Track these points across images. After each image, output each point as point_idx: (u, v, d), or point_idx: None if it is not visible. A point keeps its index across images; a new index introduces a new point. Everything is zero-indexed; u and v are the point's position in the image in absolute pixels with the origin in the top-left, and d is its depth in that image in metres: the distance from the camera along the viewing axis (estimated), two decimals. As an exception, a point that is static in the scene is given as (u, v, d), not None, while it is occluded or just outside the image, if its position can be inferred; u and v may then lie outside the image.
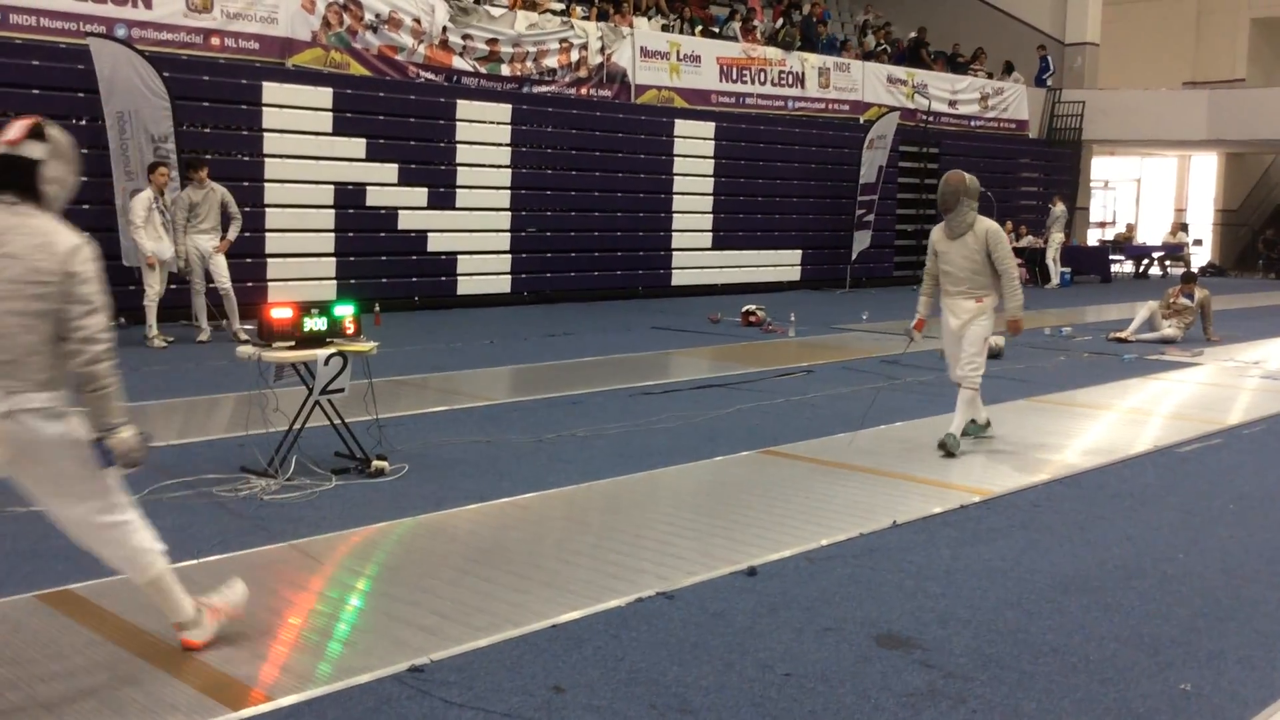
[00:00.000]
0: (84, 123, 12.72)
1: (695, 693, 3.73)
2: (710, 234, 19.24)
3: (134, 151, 12.49)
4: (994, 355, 11.93)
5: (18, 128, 3.58)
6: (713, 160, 19.10)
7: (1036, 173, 26.34)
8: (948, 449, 7.27)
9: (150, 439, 3.81)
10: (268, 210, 14.21)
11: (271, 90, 14.21)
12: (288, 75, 14.46)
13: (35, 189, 3.57)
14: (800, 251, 20.62)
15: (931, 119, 22.96)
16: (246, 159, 14.07)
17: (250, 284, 13.38)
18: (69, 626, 4.18)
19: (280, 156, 14.34)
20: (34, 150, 3.56)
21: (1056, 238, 23.49)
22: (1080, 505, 6.27)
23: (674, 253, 18.77)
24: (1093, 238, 29.29)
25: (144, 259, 11.48)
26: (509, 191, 16.56)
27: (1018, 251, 23.82)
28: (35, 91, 12.52)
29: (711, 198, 19.19)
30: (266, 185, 14.22)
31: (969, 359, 7.41)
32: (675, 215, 18.70)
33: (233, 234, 11.97)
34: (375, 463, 6.50)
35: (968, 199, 7.17)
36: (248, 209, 12.68)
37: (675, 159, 18.61)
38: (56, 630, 4.14)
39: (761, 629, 4.31)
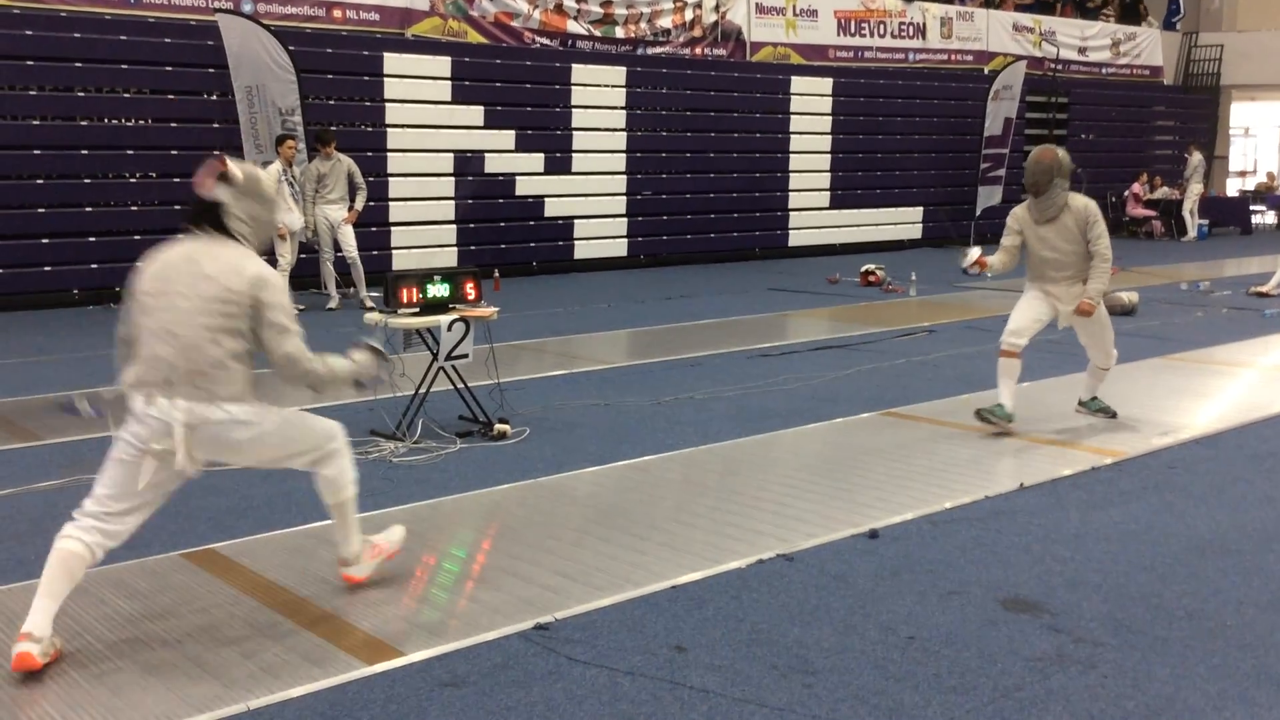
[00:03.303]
0: (214, 97, 13.16)
1: (817, 654, 3.73)
2: (828, 193, 18.97)
3: (262, 125, 12.87)
4: (1127, 312, 11.56)
5: (205, 175, 3.96)
6: (830, 117, 18.80)
7: (1172, 121, 25.29)
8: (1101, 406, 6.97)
9: (383, 354, 4.42)
10: (390, 180, 14.50)
11: (392, 61, 14.46)
12: (407, 45, 14.69)
13: (223, 226, 3.95)
14: (921, 209, 20.19)
15: (1060, 67, 22.18)
16: (369, 130, 14.37)
17: (376, 252, 13.70)
18: (211, 583, 4.37)
19: (401, 126, 14.61)
20: (219, 194, 3.94)
21: (1194, 189, 22.54)
22: (1218, 466, 6.05)
23: (791, 213, 18.57)
24: (1232, 188, 28.04)
25: (275, 230, 11.82)
26: (624, 155, 16.58)
27: (1152, 204, 23.02)
28: (168, 69, 12.97)
29: (829, 156, 18.91)
30: (389, 155, 14.51)
31: (1109, 348, 6.82)
32: (792, 175, 18.48)
33: (359, 204, 12.26)
34: (498, 426, 6.62)
35: (1061, 178, 6.50)
36: (372, 179, 12.96)
37: (792, 117, 18.37)
38: (200, 587, 4.34)
39: (883, 592, 4.27)
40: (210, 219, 3.95)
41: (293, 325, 3.97)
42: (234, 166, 3.96)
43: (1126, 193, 23.10)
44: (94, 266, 12.65)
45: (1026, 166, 6.65)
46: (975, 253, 6.84)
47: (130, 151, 12.88)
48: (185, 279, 3.85)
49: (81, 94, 12.59)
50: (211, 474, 5.85)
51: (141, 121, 12.98)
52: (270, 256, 12.18)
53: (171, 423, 3.76)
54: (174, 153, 13.06)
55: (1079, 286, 6.61)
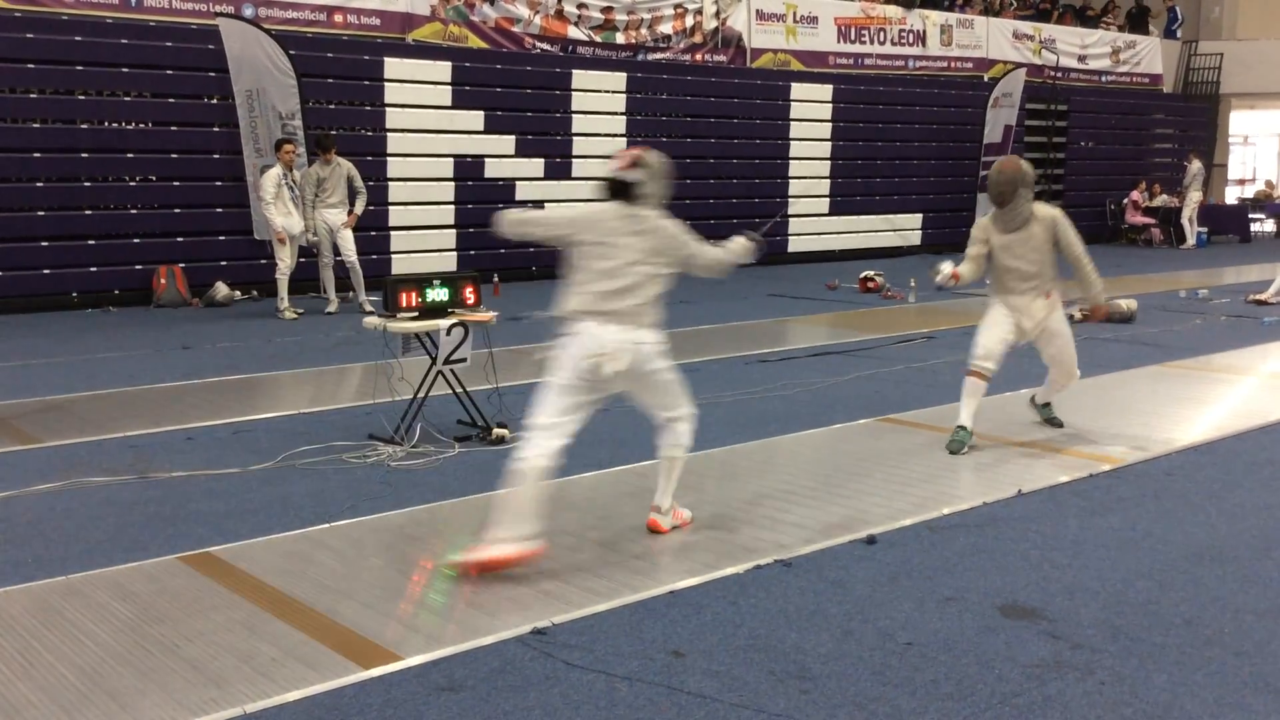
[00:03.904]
0: (214, 101, 13.17)
1: (814, 660, 3.73)
2: (828, 199, 18.99)
3: (262, 129, 12.88)
4: (1126, 319, 11.57)
5: (625, 158, 4.87)
6: (830, 124, 18.82)
7: (1171, 129, 25.32)
8: (1051, 415, 7.03)
9: (754, 239, 5.16)
10: (390, 184, 14.51)
11: (393, 65, 14.47)
12: (408, 50, 14.71)
13: (636, 200, 4.79)
14: (921, 215, 20.21)
15: (1060, 75, 22.21)
16: (369, 134, 14.38)
17: (375, 256, 13.70)
18: (209, 587, 4.37)
19: (402, 131, 14.63)
20: (634, 175, 4.81)
21: (1193, 196, 22.56)
22: (1216, 474, 6.05)
23: (790, 219, 18.59)
24: (1231, 195, 28.06)
25: (274, 234, 11.84)
26: (625, 160, 16.57)
27: (1151, 211, 23.03)
28: (169, 72, 12.99)
29: (829, 162, 18.93)
30: (389, 160, 14.52)
31: (1072, 366, 6.77)
32: (792, 181, 18.50)
33: (359, 208, 12.27)
34: (496, 430, 6.62)
35: (1025, 189, 6.42)
36: (371, 183, 12.96)
37: (792, 123, 18.39)
38: (197, 590, 4.34)
39: (881, 597, 4.27)
40: (625, 194, 4.79)
41: (695, 241, 4.92)
42: (647, 155, 4.87)
43: (1126, 200, 23.12)
44: (93, 270, 12.66)
45: (989, 178, 6.57)
46: (949, 267, 6.70)
47: (130, 155, 12.89)
48: (627, 232, 4.71)
49: (82, 97, 12.60)
50: (208, 477, 5.86)
51: (141, 125, 12.99)
52: (270, 260, 12.20)
53: (604, 343, 4.61)
54: (174, 156, 13.08)
55: (1041, 300, 6.54)
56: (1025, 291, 6.55)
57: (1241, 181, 30.56)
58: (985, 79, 20.91)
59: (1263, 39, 26.53)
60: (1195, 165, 22.62)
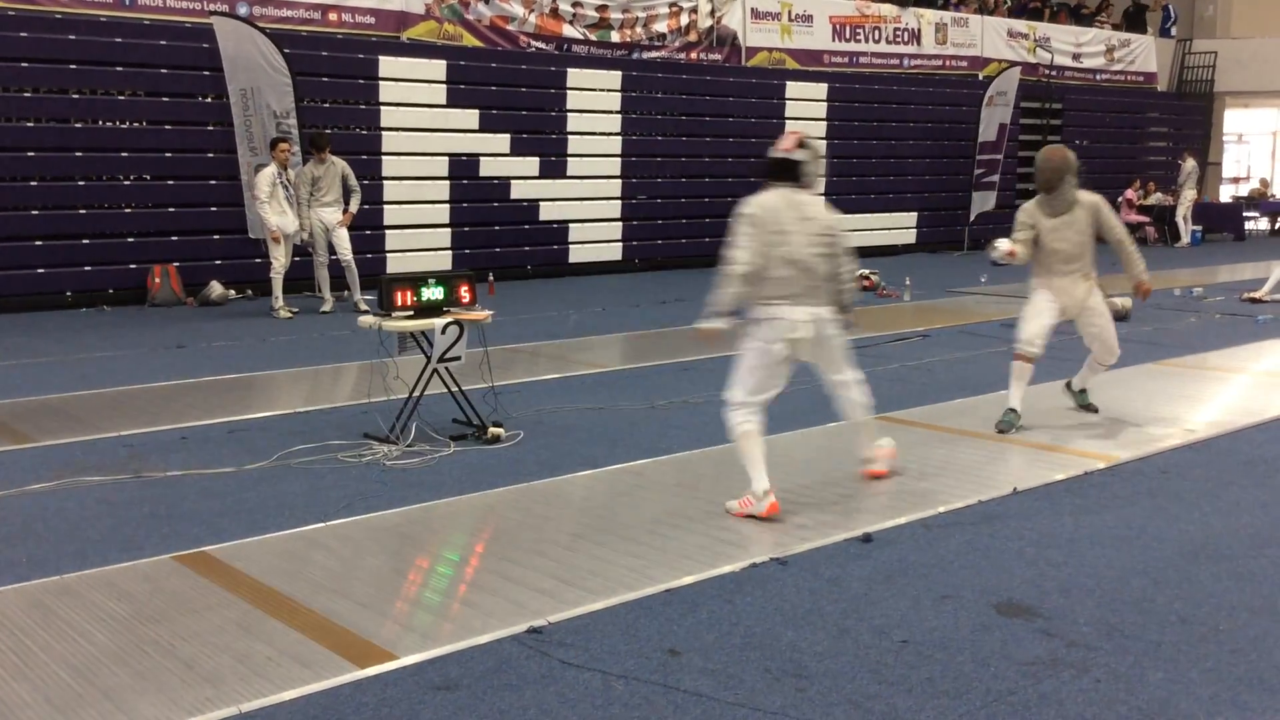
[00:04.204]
0: (209, 100, 13.15)
1: (810, 658, 3.73)
2: (823, 198, 18.93)
3: (257, 127, 12.86)
4: (1121, 317, 11.57)
5: (789, 140, 5.43)
6: (825, 122, 18.83)
7: (1165, 127, 25.36)
8: (1086, 401, 7.44)
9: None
10: (385, 183, 14.50)
11: (388, 64, 14.46)
12: (403, 49, 14.70)
13: (800, 180, 5.36)
14: (916, 214, 20.22)
15: (1054, 73, 22.23)
16: (364, 133, 14.37)
17: (370, 255, 13.69)
18: (204, 586, 4.36)
19: (397, 129, 14.61)
20: (799, 155, 5.39)
21: (1187, 195, 22.59)
22: (1211, 472, 6.05)
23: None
24: (1225, 194, 28.07)
25: (269, 233, 11.83)
26: (619, 159, 16.59)
27: (1146, 209, 23.05)
28: (163, 71, 12.97)
29: (824, 160, 18.89)
30: (384, 158, 14.50)
31: (1114, 343, 7.12)
32: (787, 179, 18.47)
33: (354, 206, 12.25)
34: (492, 429, 6.62)
35: (1070, 175, 6.81)
36: (366, 182, 12.95)
37: (787, 122, 18.35)
38: (192, 590, 4.33)
39: (877, 595, 4.27)
40: (790, 174, 5.35)
41: (845, 251, 5.49)
42: (807, 137, 5.43)
43: (1120, 199, 23.14)
44: (87, 268, 12.63)
45: (1038, 165, 6.93)
46: (1006, 244, 6.97)
47: (124, 154, 12.87)
48: (795, 220, 5.26)
49: (76, 96, 12.58)
50: (203, 477, 5.86)
51: (136, 124, 12.97)
52: (264, 259, 12.18)
53: (796, 324, 5.24)
54: (168, 155, 13.06)
55: (1083, 282, 6.96)
56: (1069, 274, 6.95)
57: (1236, 180, 30.59)
58: (980, 77, 20.93)
59: (1257, 37, 26.58)
60: (1190, 163, 22.65)
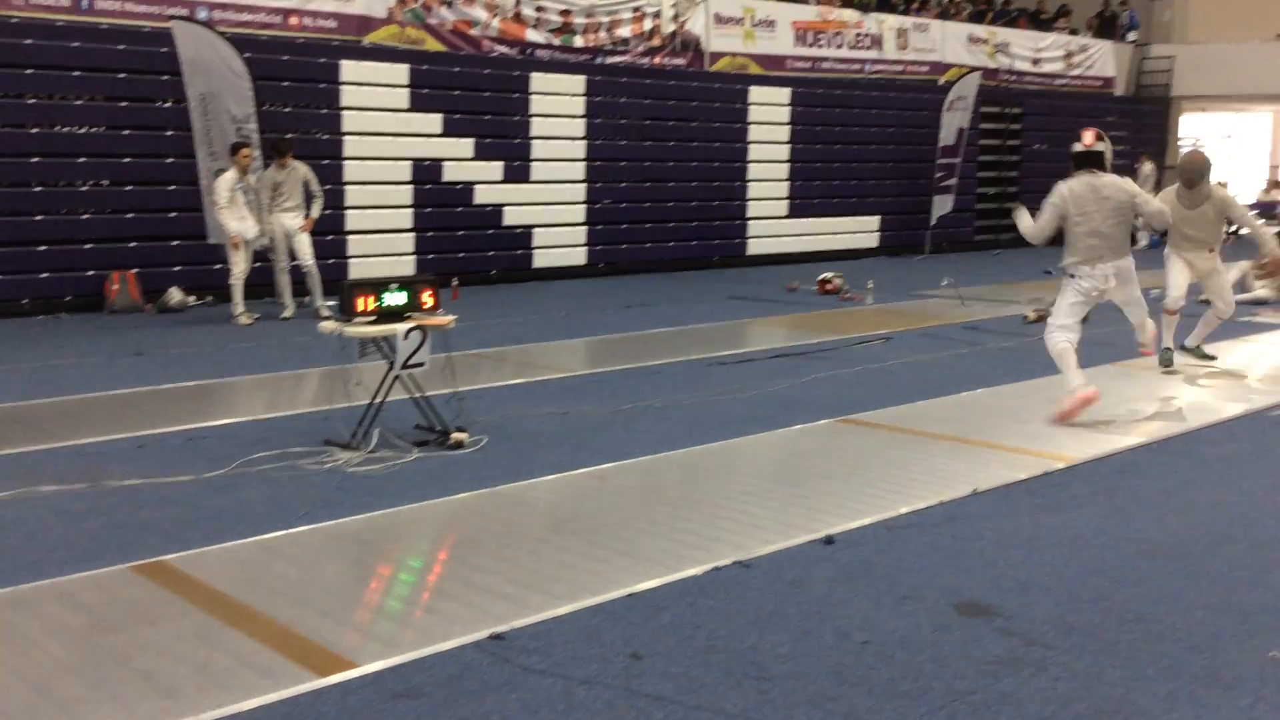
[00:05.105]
0: (168, 105, 13.02)
1: (772, 660, 3.74)
2: (786, 202, 19.07)
3: (216, 132, 12.74)
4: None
5: (1089, 135, 7.22)
6: (788, 127, 18.90)
7: (1124, 131, 25.58)
8: (1202, 353, 9.21)
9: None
10: (347, 188, 14.41)
11: (349, 68, 14.37)
12: (365, 53, 14.61)
13: (1102, 167, 7.20)
14: (878, 218, 20.34)
15: (1014, 79, 22.45)
16: (326, 137, 14.27)
17: (332, 261, 13.59)
18: (162, 596, 4.32)
19: (359, 134, 14.52)
20: (1099, 146, 7.22)
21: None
22: (1168, 471, 6.13)
23: (750, 221, 18.65)
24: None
25: (229, 239, 11.73)
26: (584, 163, 16.58)
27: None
28: (121, 75, 12.83)
29: (787, 165, 19.01)
30: (346, 163, 14.41)
31: (1229, 296, 9.12)
32: (751, 184, 18.56)
33: (315, 212, 12.16)
34: (455, 435, 6.59)
35: (1209, 174, 8.85)
36: (328, 187, 12.86)
37: (750, 126, 18.46)
38: (151, 600, 4.28)
39: (839, 597, 4.30)
40: (1094, 162, 7.18)
41: (1141, 195, 7.35)
42: (1102, 132, 7.28)
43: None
44: (44, 276, 12.47)
45: (1184, 164, 9.04)
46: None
47: (82, 159, 12.71)
48: (1093, 200, 7.06)
49: (33, 101, 12.41)
50: (162, 485, 5.79)
51: (94, 129, 12.81)
52: (224, 265, 12.08)
53: (1107, 274, 7.16)
54: (126, 160, 12.91)
55: (1207, 251, 8.93)
56: (1197, 249, 8.93)
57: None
58: (940, 82, 21.09)
59: (1213, 42, 26.95)
60: (1147, 167, 22.92)
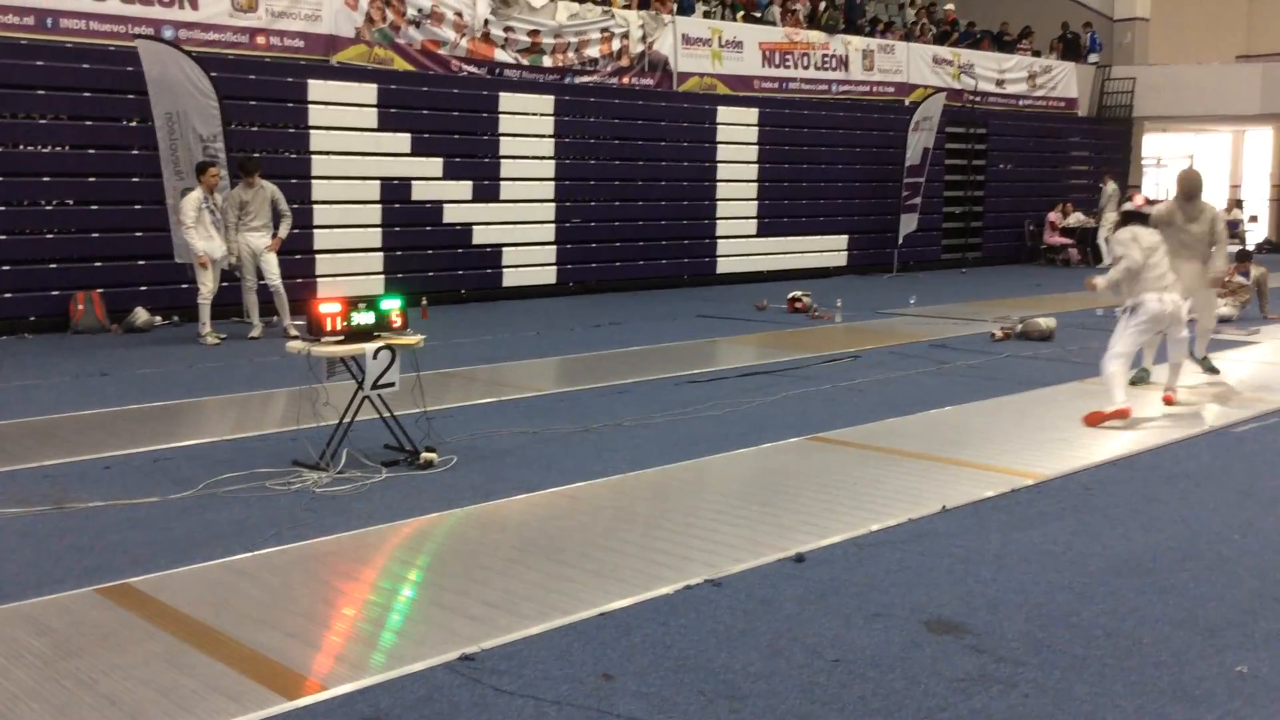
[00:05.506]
0: (134, 124, 12.94)
1: (743, 679, 3.74)
2: (755, 221, 19.16)
3: (183, 151, 12.67)
4: (1045, 337, 11.81)
5: (1139, 200, 8.50)
6: (756, 147, 19.01)
7: (1087, 151, 25.96)
8: (1210, 366, 9.76)
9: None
10: (315, 207, 14.35)
11: (317, 88, 14.34)
12: (333, 72, 14.58)
13: (1147, 222, 8.18)
14: (846, 237, 20.47)
15: (978, 99, 22.70)
16: (293, 157, 14.22)
17: (300, 280, 13.53)
18: (127, 619, 4.26)
19: (327, 153, 14.48)
20: (1146, 210, 8.27)
21: (1109, 217, 23.07)
22: (1134, 488, 6.19)
23: (718, 240, 18.72)
24: (1145, 216, 28.70)
25: (195, 258, 11.65)
26: (553, 183, 16.60)
27: (1069, 231, 23.57)
28: (86, 94, 12.73)
29: (755, 184, 19.11)
30: (314, 182, 14.36)
31: (1214, 311, 9.95)
32: (719, 203, 18.65)
33: (283, 231, 12.10)
34: (424, 454, 6.56)
35: (1203, 190, 9.36)
36: (296, 206, 12.80)
37: (718, 146, 18.55)
38: (115, 623, 4.23)
39: (809, 615, 4.30)
40: (1142, 220, 8.10)
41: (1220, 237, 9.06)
42: (1148, 199, 9.06)
43: (1045, 221, 23.65)
44: (7, 295, 12.33)
45: (1183, 179, 9.45)
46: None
47: (46, 178, 12.60)
48: (1156, 249, 7.89)
49: (-5, 119, 12.30)
50: (127, 507, 5.73)
51: (58, 148, 12.71)
52: (191, 285, 11.99)
53: (1166, 304, 7.85)
54: (91, 180, 12.81)
55: (1198, 263, 9.28)
56: (1189, 260, 9.16)
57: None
58: (906, 103, 21.29)
59: (1173, 64, 27.37)
60: (1110, 186, 23.20)
